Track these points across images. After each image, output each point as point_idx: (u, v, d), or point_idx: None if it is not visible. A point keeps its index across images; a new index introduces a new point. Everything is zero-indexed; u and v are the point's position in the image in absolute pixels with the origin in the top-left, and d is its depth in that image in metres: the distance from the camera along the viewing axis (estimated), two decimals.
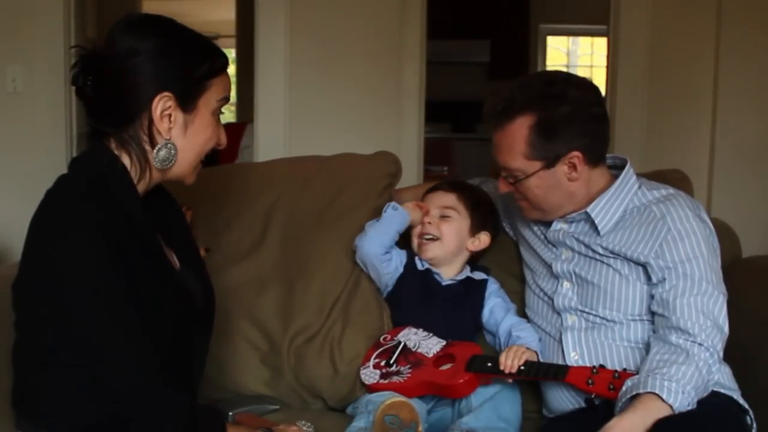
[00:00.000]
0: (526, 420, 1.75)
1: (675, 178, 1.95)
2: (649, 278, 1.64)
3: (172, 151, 1.41)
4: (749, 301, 1.77)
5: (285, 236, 1.97)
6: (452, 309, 1.87)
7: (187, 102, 1.40)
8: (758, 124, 3.34)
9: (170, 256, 1.50)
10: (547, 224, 1.79)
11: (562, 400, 1.70)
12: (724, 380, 1.60)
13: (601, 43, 7.65)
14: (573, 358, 1.68)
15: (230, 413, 1.67)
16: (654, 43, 3.35)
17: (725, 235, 1.92)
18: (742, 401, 1.60)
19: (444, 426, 1.69)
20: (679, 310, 1.56)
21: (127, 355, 1.32)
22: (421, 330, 1.82)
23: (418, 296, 1.88)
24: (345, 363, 1.82)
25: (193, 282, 1.53)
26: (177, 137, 1.41)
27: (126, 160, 1.40)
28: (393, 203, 1.88)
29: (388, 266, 1.87)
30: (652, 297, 1.63)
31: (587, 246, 1.71)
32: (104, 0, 4.54)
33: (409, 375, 1.73)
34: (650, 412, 1.42)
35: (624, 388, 1.49)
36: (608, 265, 1.68)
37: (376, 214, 1.91)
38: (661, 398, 1.42)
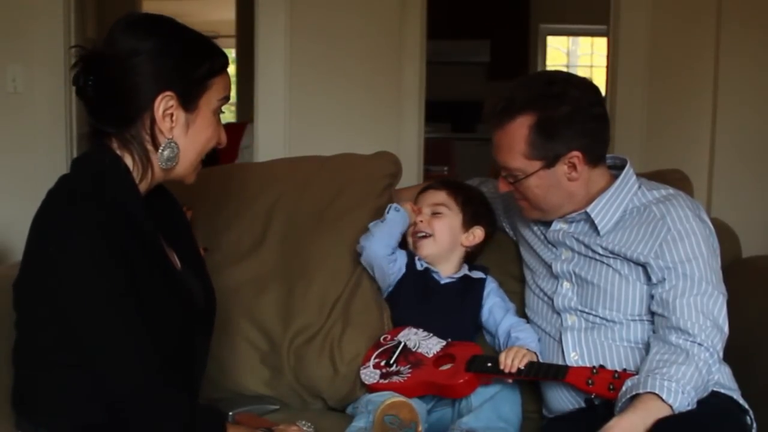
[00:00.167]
0: (526, 420, 1.75)
1: (675, 178, 1.95)
2: (648, 278, 1.64)
3: (175, 151, 1.41)
4: (749, 301, 1.77)
5: (285, 236, 1.97)
6: (451, 308, 1.87)
7: (188, 101, 1.40)
8: (758, 124, 3.34)
9: (171, 257, 1.50)
10: (547, 224, 1.79)
11: (562, 400, 1.70)
12: (724, 380, 1.60)
13: (601, 43, 7.65)
14: (573, 358, 1.68)
15: (230, 413, 1.67)
16: (654, 43, 3.35)
17: (725, 235, 1.92)
18: (742, 401, 1.60)
19: (444, 426, 1.70)
20: (679, 311, 1.56)
21: (128, 355, 1.32)
22: (421, 330, 1.83)
23: (417, 296, 1.88)
24: (345, 363, 1.82)
25: (194, 282, 1.53)
26: (179, 136, 1.41)
27: (128, 160, 1.40)
28: (395, 205, 1.89)
29: (394, 266, 1.88)
30: (651, 297, 1.63)
31: (587, 246, 1.71)
32: (104, 0, 4.54)
33: (409, 375, 1.73)
34: (650, 412, 1.42)
35: (624, 388, 1.49)
36: (608, 265, 1.68)
37: (377, 214, 1.91)
38: (661, 398, 1.42)
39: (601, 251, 1.69)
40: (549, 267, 1.78)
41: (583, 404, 1.65)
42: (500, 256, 1.98)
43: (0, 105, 3.33)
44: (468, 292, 1.88)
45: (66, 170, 1.44)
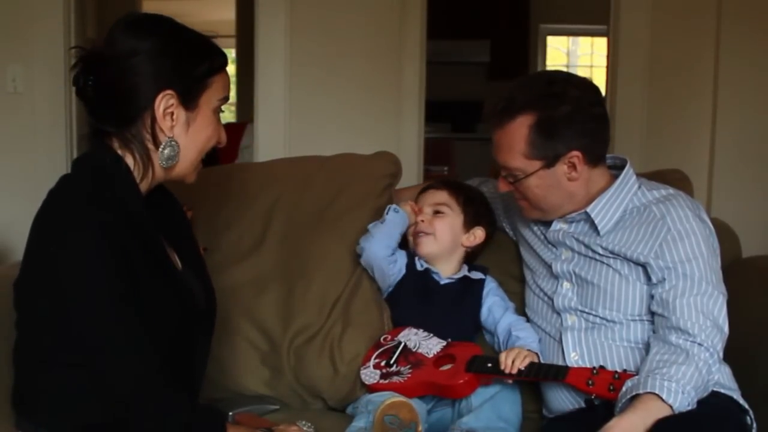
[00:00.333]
0: (526, 420, 1.75)
1: (675, 178, 1.95)
2: (648, 278, 1.64)
3: (176, 149, 1.42)
4: (749, 301, 1.77)
5: (285, 236, 1.97)
6: (451, 308, 1.87)
7: (188, 100, 1.40)
8: (758, 124, 3.34)
9: (172, 257, 1.50)
10: (547, 224, 1.80)
11: (562, 400, 1.70)
12: (724, 380, 1.60)
13: (601, 43, 7.65)
14: (573, 359, 1.68)
15: (230, 413, 1.67)
16: (654, 43, 3.35)
17: (725, 235, 1.92)
18: (742, 401, 1.60)
19: (444, 426, 1.70)
20: (679, 311, 1.56)
21: (128, 355, 1.32)
22: (421, 330, 1.83)
23: (417, 296, 1.88)
24: (345, 363, 1.82)
25: (194, 282, 1.53)
26: (179, 135, 1.41)
27: (129, 159, 1.40)
28: (394, 206, 1.89)
29: (394, 267, 1.88)
30: (651, 297, 1.63)
31: (587, 246, 1.71)
32: (104, 0, 4.54)
33: (409, 375, 1.73)
34: (650, 412, 1.42)
35: (624, 389, 1.49)
36: (608, 265, 1.68)
37: (377, 214, 1.91)
38: (661, 398, 1.42)
39: (601, 251, 1.69)
40: (549, 267, 1.78)
41: (583, 404, 1.65)
42: (500, 256, 1.98)
43: (0, 105, 3.33)
44: (468, 292, 1.89)
45: (66, 170, 1.44)
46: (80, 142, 3.38)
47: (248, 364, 1.87)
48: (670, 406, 1.42)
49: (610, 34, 3.48)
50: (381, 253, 1.85)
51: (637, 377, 1.49)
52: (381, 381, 1.75)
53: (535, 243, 1.84)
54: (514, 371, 1.64)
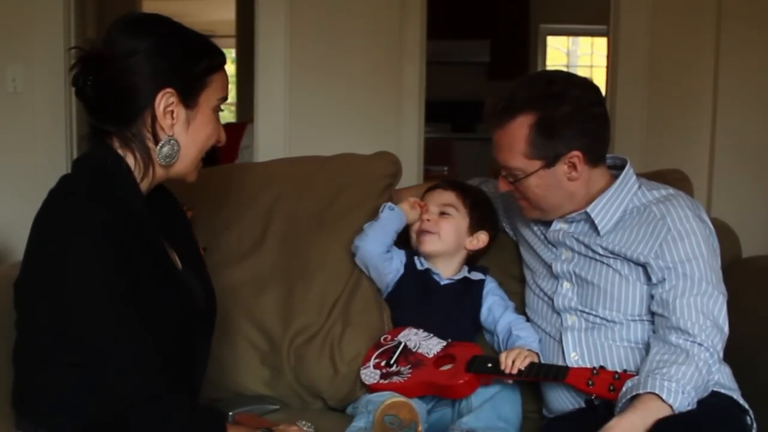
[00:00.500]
0: (526, 420, 1.75)
1: (675, 178, 1.95)
2: (649, 278, 1.64)
3: (175, 148, 1.42)
4: (749, 301, 1.77)
5: (285, 236, 1.97)
6: (451, 308, 1.87)
7: (188, 98, 1.41)
8: (758, 124, 3.34)
9: (172, 257, 1.50)
10: (547, 224, 1.79)
11: (562, 400, 1.70)
12: (724, 380, 1.60)
13: (601, 43, 7.65)
14: (573, 359, 1.68)
15: (230, 413, 1.67)
16: (654, 43, 3.35)
17: (725, 235, 1.92)
18: (742, 401, 1.60)
19: (444, 426, 1.70)
20: (679, 311, 1.56)
21: (128, 355, 1.32)
22: (421, 330, 1.83)
23: (417, 296, 1.88)
24: (345, 363, 1.82)
25: (194, 282, 1.53)
26: (179, 133, 1.42)
27: (130, 159, 1.40)
28: (389, 204, 1.89)
29: (390, 266, 1.87)
30: (651, 297, 1.63)
31: (587, 246, 1.71)
32: (104, 0, 4.54)
33: (409, 375, 1.73)
34: (650, 412, 1.42)
35: (624, 389, 1.49)
36: (608, 265, 1.68)
37: (377, 214, 1.91)
38: (661, 398, 1.42)
39: (601, 251, 1.69)
40: (549, 267, 1.78)
41: (583, 404, 1.65)
42: (500, 256, 1.98)
43: (0, 105, 3.33)
44: (468, 293, 1.88)
45: (66, 170, 1.44)
46: (80, 142, 3.37)
47: (248, 364, 1.87)
48: (670, 406, 1.42)
49: (610, 34, 3.48)
50: (375, 250, 1.85)
51: (637, 377, 1.49)
52: (381, 381, 1.75)
53: (535, 243, 1.84)
54: (514, 371, 1.64)
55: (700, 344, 1.52)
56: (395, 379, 1.74)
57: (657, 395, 1.43)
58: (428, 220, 1.90)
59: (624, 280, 1.67)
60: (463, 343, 1.78)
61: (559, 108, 1.64)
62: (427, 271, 1.89)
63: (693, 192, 1.92)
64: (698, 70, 3.36)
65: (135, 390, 1.33)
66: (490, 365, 1.68)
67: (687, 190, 1.88)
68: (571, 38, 8.32)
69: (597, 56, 8.14)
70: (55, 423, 1.40)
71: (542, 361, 1.71)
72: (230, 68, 7.20)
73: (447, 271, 1.91)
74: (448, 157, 6.08)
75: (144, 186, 1.42)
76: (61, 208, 1.35)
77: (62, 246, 1.29)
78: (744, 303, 1.72)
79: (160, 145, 1.40)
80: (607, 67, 3.63)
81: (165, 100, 1.38)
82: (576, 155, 1.66)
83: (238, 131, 5.06)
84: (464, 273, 1.91)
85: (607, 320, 1.68)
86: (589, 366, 1.62)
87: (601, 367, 1.58)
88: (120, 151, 1.40)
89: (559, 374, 1.62)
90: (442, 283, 1.89)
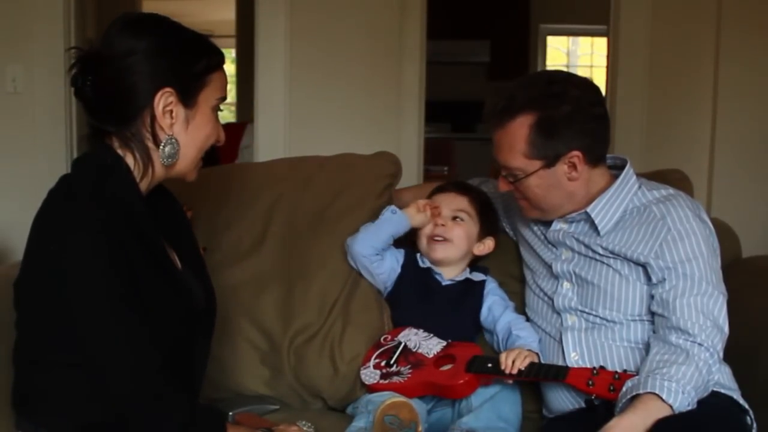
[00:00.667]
0: (526, 420, 1.75)
1: (675, 178, 1.95)
2: (649, 278, 1.64)
3: (176, 147, 1.42)
4: (749, 301, 1.77)
5: (285, 236, 1.97)
6: (452, 309, 1.87)
7: (187, 97, 1.41)
8: (758, 124, 3.34)
9: (172, 256, 1.50)
10: (547, 224, 1.79)
11: (562, 400, 1.70)
12: (724, 380, 1.60)
13: (601, 43, 7.65)
14: (573, 359, 1.68)
15: (230, 413, 1.67)
16: (654, 44, 3.36)
17: (725, 235, 1.92)
18: (742, 401, 1.60)
19: (444, 426, 1.69)
20: (679, 311, 1.56)
21: (128, 355, 1.32)
22: (421, 330, 1.82)
23: (417, 296, 1.88)
24: (345, 363, 1.82)
25: (194, 282, 1.53)
26: (179, 133, 1.42)
27: (129, 159, 1.40)
28: (392, 207, 1.88)
29: (380, 267, 1.87)
30: (651, 297, 1.63)
31: (587, 246, 1.71)
32: (104, 0, 4.54)
33: (409, 375, 1.73)
34: (650, 412, 1.42)
35: (624, 389, 1.49)
36: (608, 265, 1.68)
37: (377, 214, 1.91)
38: (661, 398, 1.42)
39: (601, 251, 1.69)
40: (549, 267, 1.78)
41: (583, 404, 1.64)
42: (500, 256, 1.97)
43: (0, 105, 3.33)
44: (468, 293, 1.88)
45: (66, 170, 1.44)
46: (80, 142, 3.37)
47: (248, 364, 1.87)
48: (670, 406, 1.42)
49: (610, 35, 3.48)
50: (363, 252, 1.84)
51: (637, 377, 1.49)
52: (381, 381, 1.75)
53: (536, 243, 1.84)
54: (515, 371, 1.64)
55: (700, 344, 1.52)
56: (395, 379, 1.74)
57: (657, 395, 1.43)
58: (443, 225, 1.88)
59: (624, 280, 1.66)
60: (463, 344, 1.78)
61: (559, 108, 1.64)
62: (429, 270, 1.89)
63: (693, 192, 1.92)
64: (698, 70, 3.36)
65: (135, 390, 1.33)
66: (490, 365, 1.68)
67: (687, 190, 1.88)
68: (571, 38, 8.32)
69: (597, 56, 8.14)
70: (55, 423, 1.40)
71: (542, 361, 1.71)
72: (230, 68, 7.21)
73: (450, 273, 1.90)
74: (448, 157, 6.08)
75: (143, 186, 1.42)
76: (60, 208, 1.35)
77: (62, 246, 1.29)
78: (744, 303, 1.72)
79: (162, 145, 1.40)
80: (607, 67, 3.63)
81: (164, 100, 1.38)
82: (576, 155, 1.66)
83: (238, 131, 5.06)
84: (466, 274, 1.91)
85: (607, 320, 1.67)
86: (589, 366, 1.62)
87: (601, 367, 1.58)
88: (119, 151, 1.40)
89: (559, 374, 1.62)
90: (443, 283, 1.89)
